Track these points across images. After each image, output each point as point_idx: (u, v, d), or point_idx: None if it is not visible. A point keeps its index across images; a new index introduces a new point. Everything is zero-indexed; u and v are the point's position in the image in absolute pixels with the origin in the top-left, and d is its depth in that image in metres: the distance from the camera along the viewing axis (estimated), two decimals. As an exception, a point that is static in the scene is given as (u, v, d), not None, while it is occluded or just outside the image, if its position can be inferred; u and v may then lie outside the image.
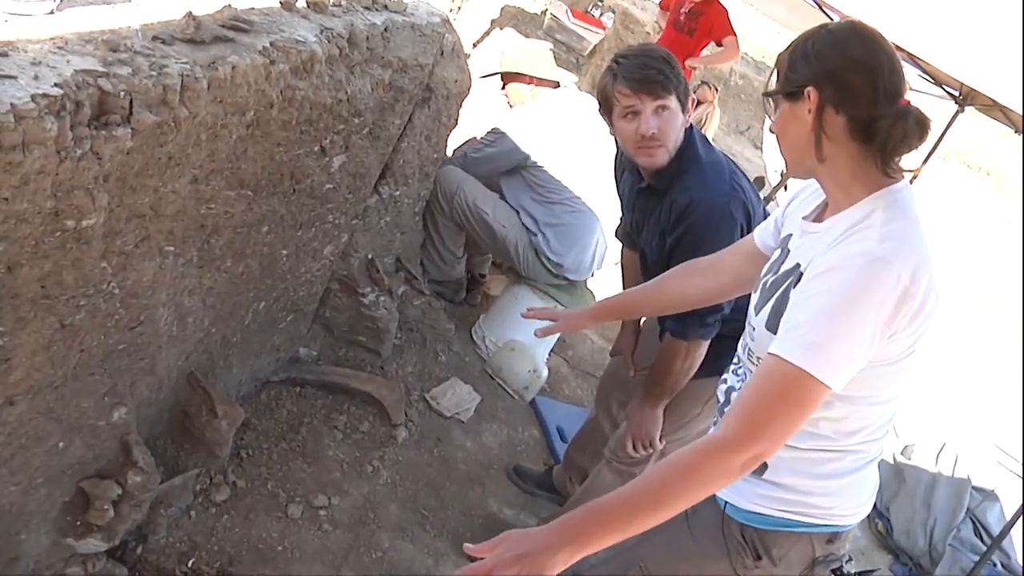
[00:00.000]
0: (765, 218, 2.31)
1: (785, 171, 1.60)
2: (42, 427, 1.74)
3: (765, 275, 1.64)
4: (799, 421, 1.37)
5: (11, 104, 1.25)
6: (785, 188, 6.66)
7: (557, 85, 3.70)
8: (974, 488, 4.71)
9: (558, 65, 3.87)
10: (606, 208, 3.65)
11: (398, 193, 3.20)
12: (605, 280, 4.83)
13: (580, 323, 2.22)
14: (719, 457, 1.34)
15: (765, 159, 10.49)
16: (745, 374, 1.67)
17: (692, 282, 1.96)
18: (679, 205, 2.19)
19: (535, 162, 3.54)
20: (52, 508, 1.93)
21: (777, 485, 1.59)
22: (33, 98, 1.29)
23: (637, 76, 2.16)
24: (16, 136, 1.26)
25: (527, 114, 3.60)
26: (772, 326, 1.50)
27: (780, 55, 1.53)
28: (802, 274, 1.46)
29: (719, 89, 7.85)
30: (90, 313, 1.68)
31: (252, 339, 2.72)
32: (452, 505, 2.95)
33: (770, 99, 1.54)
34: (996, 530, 4.37)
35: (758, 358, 1.58)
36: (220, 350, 2.53)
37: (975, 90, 5.65)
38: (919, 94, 6.31)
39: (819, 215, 1.57)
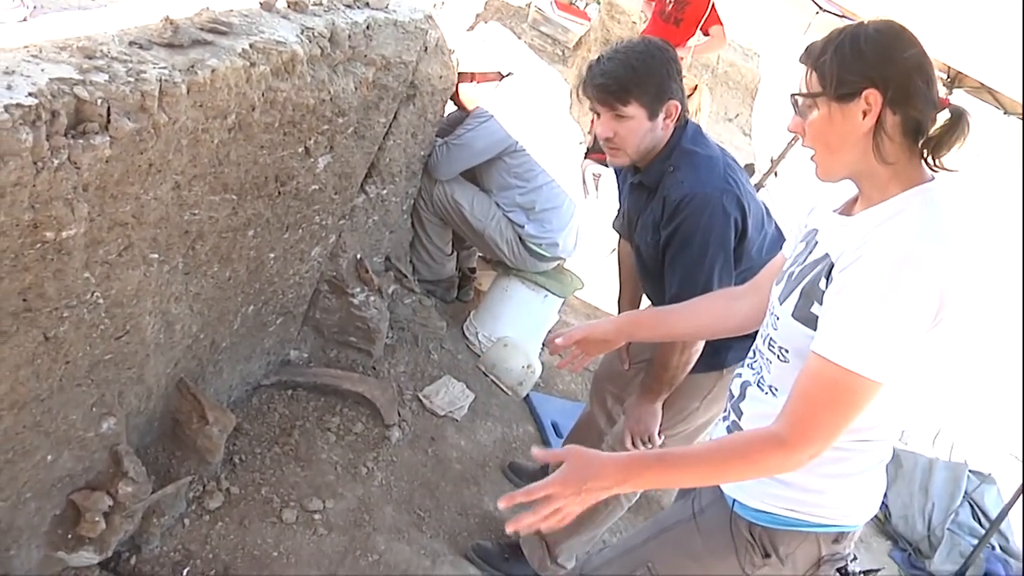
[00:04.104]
0: (761, 211, 2.30)
1: (818, 175, 1.56)
2: (29, 441, 1.72)
3: (789, 266, 1.63)
4: (851, 419, 1.40)
5: (-16, 116, 1.22)
6: (775, 175, 6.62)
7: (499, 76, 3.60)
8: (971, 472, 4.71)
9: (541, 58, 3.84)
10: (572, 188, 3.74)
11: (385, 192, 3.18)
12: (595, 268, 4.82)
13: (608, 336, 2.05)
14: (780, 455, 1.40)
15: (754, 146, 10.47)
16: (762, 367, 1.65)
17: (732, 307, 1.90)
18: (672, 200, 2.17)
19: (515, 148, 3.49)
20: (42, 522, 1.91)
21: (787, 484, 1.59)
22: (7, 108, 1.26)
23: (597, 83, 2.19)
24: (-10, 148, 1.24)
25: (497, 103, 3.51)
26: (801, 316, 1.50)
27: (813, 54, 1.48)
28: (832, 264, 1.45)
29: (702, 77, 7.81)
30: (74, 324, 1.66)
31: (242, 344, 2.70)
32: (448, 505, 2.94)
33: (803, 99, 1.48)
34: (994, 513, 4.38)
35: (781, 347, 1.58)
36: (209, 356, 2.51)
37: (962, 73, 5.63)
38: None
39: (848, 209, 1.56)
